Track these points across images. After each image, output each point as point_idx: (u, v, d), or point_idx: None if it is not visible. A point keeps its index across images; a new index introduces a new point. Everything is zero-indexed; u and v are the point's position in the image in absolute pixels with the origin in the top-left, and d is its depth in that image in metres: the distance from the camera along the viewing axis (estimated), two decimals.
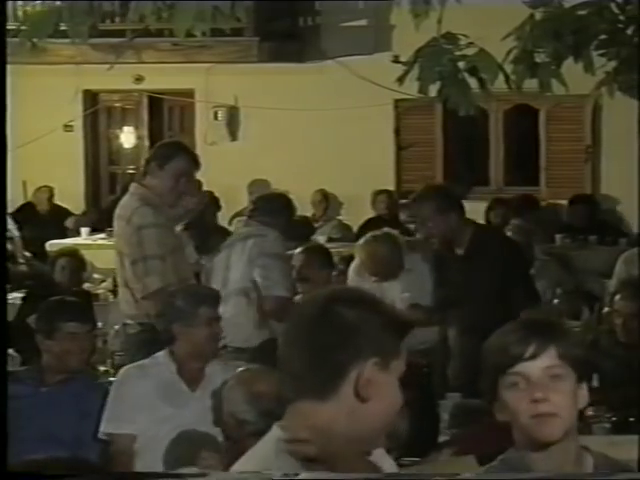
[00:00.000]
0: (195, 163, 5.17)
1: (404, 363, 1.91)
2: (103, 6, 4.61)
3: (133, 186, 5.18)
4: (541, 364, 2.23)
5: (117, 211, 5.19)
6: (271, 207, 5.46)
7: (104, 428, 4.19)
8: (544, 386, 2.22)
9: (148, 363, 4.29)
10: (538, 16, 4.39)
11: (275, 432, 1.93)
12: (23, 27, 4.70)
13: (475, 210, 10.43)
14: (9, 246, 10.18)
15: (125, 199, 5.17)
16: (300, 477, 1.84)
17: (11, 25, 11.48)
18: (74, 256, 7.23)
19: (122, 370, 4.39)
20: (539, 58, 4.39)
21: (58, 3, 4.37)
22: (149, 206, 4.98)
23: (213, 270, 5.43)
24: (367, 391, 1.89)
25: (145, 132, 11.62)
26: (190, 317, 4.18)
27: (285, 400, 1.90)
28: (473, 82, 4.44)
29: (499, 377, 2.25)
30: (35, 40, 4.53)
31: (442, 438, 4.02)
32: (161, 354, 4.27)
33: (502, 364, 2.24)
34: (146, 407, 4.13)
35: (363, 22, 10.59)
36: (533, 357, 2.23)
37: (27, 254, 10.17)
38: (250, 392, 3.74)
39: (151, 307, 4.86)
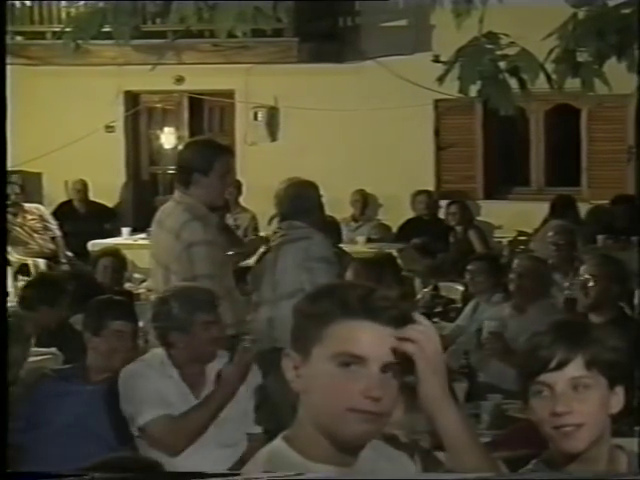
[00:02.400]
0: (231, 155, 5.08)
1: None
2: (146, 7, 4.60)
3: (178, 194, 4.94)
4: (566, 375, 2.16)
5: (160, 217, 4.99)
6: (303, 202, 5.27)
7: (138, 422, 4.07)
8: (568, 398, 2.15)
9: (150, 361, 4.18)
10: (581, 15, 4.35)
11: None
12: (67, 29, 4.72)
13: (516, 211, 10.45)
14: (51, 246, 10.30)
15: (170, 207, 4.95)
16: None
17: (55, 27, 11.68)
18: (116, 256, 7.26)
19: (125, 370, 4.24)
20: (581, 57, 4.35)
21: (102, 4, 4.39)
22: (198, 220, 4.78)
23: (262, 274, 5.27)
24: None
25: (185, 133, 11.62)
26: (186, 323, 4.08)
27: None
28: (514, 82, 4.41)
29: (527, 382, 2.20)
30: (79, 42, 4.55)
31: (483, 440, 3.99)
32: (162, 354, 4.17)
33: (529, 370, 2.20)
34: (157, 402, 4.07)
35: (403, 22, 10.59)
36: (558, 367, 2.16)
37: (69, 254, 10.26)
38: None
39: None
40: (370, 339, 1.82)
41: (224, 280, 4.85)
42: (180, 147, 5.81)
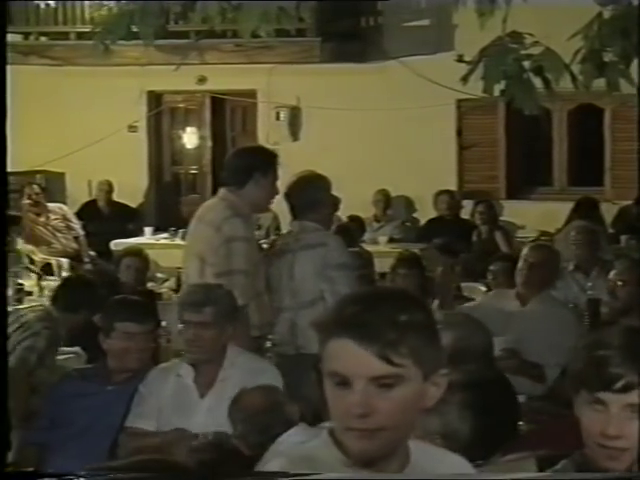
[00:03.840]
0: (280, 166, 5.13)
1: None
2: (173, 8, 4.62)
3: (222, 192, 5.00)
4: (626, 399, 2.07)
5: (201, 212, 5.05)
6: (311, 195, 5.15)
7: (127, 422, 4.18)
8: (622, 421, 2.08)
9: (171, 367, 4.29)
10: (606, 14, 4.32)
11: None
12: (96, 30, 4.74)
13: (538, 211, 10.41)
14: (75, 245, 10.33)
15: (212, 203, 5.04)
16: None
17: (79, 28, 11.67)
18: (139, 255, 7.24)
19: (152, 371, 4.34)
20: (607, 57, 4.32)
21: (130, 6, 4.41)
22: (240, 217, 4.85)
23: (279, 279, 5.13)
24: None
25: (208, 133, 11.67)
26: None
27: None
28: (538, 81, 4.36)
29: (581, 388, 2.11)
30: (107, 42, 4.56)
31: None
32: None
33: (587, 379, 2.10)
34: (159, 410, 4.14)
35: (425, 22, 10.56)
36: (622, 391, 2.06)
37: (92, 253, 10.28)
38: (244, 410, 3.74)
39: None
40: (352, 357, 1.80)
41: (256, 281, 4.89)
42: (232, 151, 5.82)
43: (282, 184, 5.01)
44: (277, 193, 5.07)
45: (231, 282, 4.71)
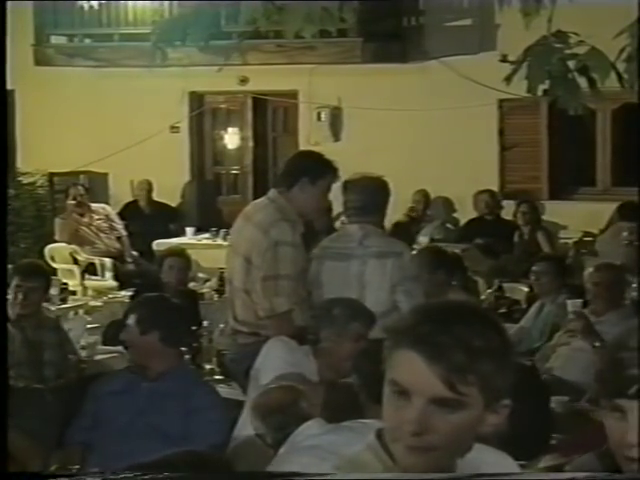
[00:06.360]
0: (338, 178, 4.99)
1: None
2: (224, 10, 4.64)
3: (272, 193, 4.94)
4: None
5: (248, 211, 5.00)
6: (374, 198, 5.01)
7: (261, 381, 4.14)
8: None
9: (295, 346, 4.27)
10: None
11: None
12: (153, 35, 4.77)
13: (581, 211, 10.30)
14: (117, 245, 10.39)
15: (261, 203, 4.96)
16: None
17: (122, 29, 11.69)
18: (181, 255, 7.25)
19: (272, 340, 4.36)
20: None
21: (184, 9, 4.47)
22: (288, 222, 4.78)
23: (343, 285, 4.90)
24: None
25: (249, 133, 11.68)
26: (341, 328, 4.18)
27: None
28: (582, 81, 4.35)
29: (604, 394, 2.00)
30: (161, 46, 4.62)
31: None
32: (306, 347, 4.25)
33: (608, 384, 1.98)
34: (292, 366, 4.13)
35: (468, 21, 10.48)
36: (635, 397, 1.91)
37: (135, 253, 10.32)
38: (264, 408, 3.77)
39: (274, 327, 4.66)
40: (416, 373, 1.74)
41: (300, 290, 4.83)
42: (294, 152, 5.79)
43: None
44: (327, 205, 4.99)
45: (277, 287, 4.70)
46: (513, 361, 1.80)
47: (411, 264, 4.96)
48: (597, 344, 5.07)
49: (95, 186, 11.26)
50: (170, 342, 4.31)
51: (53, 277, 8.18)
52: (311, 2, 4.32)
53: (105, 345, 6.17)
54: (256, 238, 4.81)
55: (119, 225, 10.50)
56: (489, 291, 7.61)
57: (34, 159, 11.37)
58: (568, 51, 4.27)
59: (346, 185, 5.01)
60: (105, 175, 11.63)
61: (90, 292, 9.56)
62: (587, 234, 9.67)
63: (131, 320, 4.32)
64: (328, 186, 4.90)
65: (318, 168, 4.87)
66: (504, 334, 1.79)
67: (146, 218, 10.89)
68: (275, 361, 4.18)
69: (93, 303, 8.45)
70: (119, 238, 10.42)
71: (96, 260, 10.03)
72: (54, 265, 9.62)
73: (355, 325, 4.20)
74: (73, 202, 10.32)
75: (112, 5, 10.89)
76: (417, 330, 1.75)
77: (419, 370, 1.73)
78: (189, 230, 10.52)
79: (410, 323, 1.77)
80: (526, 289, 7.46)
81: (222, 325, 5.59)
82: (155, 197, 11.13)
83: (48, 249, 10.05)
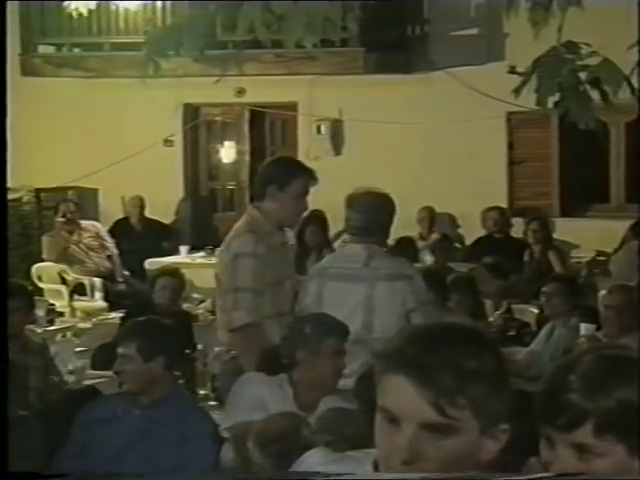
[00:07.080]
0: (314, 180, 4.92)
1: None
2: (220, 19, 4.48)
3: (249, 207, 5.00)
4: (572, 439, 1.77)
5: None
6: (379, 216, 4.82)
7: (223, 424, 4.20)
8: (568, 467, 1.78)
9: (268, 378, 4.28)
10: None
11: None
12: (145, 46, 4.71)
13: (594, 229, 10.07)
14: (108, 264, 10.14)
15: (239, 221, 4.96)
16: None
17: (113, 38, 11.45)
18: (174, 275, 7.06)
19: (244, 375, 4.38)
20: None
21: (177, 19, 4.32)
22: (253, 233, 4.74)
23: (355, 308, 4.72)
24: None
25: (246, 147, 11.61)
26: (316, 346, 4.18)
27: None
28: (593, 93, 4.27)
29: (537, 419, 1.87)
30: (154, 56, 4.49)
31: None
32: (283, 376, 4.24)
33: (539, 409, 1.83)
34: (257, 410, 4.05)
35: (474, 30, 10.41)
36: (563, 428, 1.77)
37: (126, 273, 10.16)
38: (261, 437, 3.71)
39: (237, 343, 4.70)
40: (404, 398, 1.71)
41: (276, 300, 4.76)
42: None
43: (324, 199, 4.77)
44: (304, 209, 4.89)
45: (236, 300, 4.66)
46: (510, 384, 1.75)
47: (423, 288, 4.82)
48: None
49: (84, 202, 11.20)
50: (173, 368, 4.31)
51: (40, 298, 8.00)
52: (312, 10, 4.20)
53: (94, 369, 6.06)
54: (221, 254, 4.91)
55: (110, 243, 10.39)
56: (497, 313, 7.50)
57: (20, 174, 11.12)
58: (579, 62, 4.22)
59: (349, 202, 4.84)
60: (95, 191, 11.51)
61: (79, 313, 9.46)
62: (600, 253, 9.55)
63: (131, 349, 4.24)
64: (301, 190, 4.83)
65: (285, 174, 4.82)
66: (500, 355, 1.75)
67: (138, 236, 10.72)
68: (240, 405, 4.17)
69: (82, 325, 8.37)
70: (109, 257, 10.32)
71: (85, 280, 9.92)
72: (41, 285, 9.57)
73: (330, 341, 4.18)
74: (62, 219, 10.11)
75: (102, 12, 10.69)
76: (404, 353, 1.74)
77: (407, 394, 1.71)
78: (183, 248, 10.35)
79: (398, 346, 1.75)
80: (536, 311, 7.36)
81: (217, 349, 5.48)
82: (147, 214, 10.96)
83: (35, 268, 9.94)
